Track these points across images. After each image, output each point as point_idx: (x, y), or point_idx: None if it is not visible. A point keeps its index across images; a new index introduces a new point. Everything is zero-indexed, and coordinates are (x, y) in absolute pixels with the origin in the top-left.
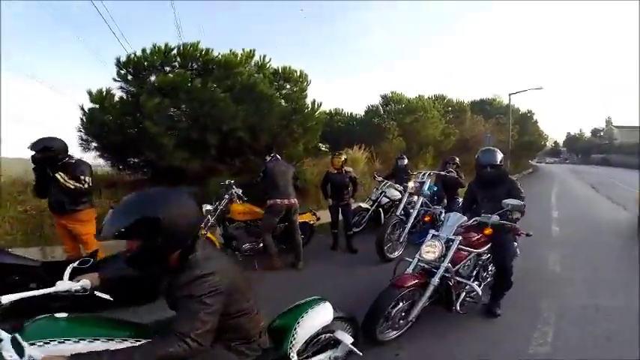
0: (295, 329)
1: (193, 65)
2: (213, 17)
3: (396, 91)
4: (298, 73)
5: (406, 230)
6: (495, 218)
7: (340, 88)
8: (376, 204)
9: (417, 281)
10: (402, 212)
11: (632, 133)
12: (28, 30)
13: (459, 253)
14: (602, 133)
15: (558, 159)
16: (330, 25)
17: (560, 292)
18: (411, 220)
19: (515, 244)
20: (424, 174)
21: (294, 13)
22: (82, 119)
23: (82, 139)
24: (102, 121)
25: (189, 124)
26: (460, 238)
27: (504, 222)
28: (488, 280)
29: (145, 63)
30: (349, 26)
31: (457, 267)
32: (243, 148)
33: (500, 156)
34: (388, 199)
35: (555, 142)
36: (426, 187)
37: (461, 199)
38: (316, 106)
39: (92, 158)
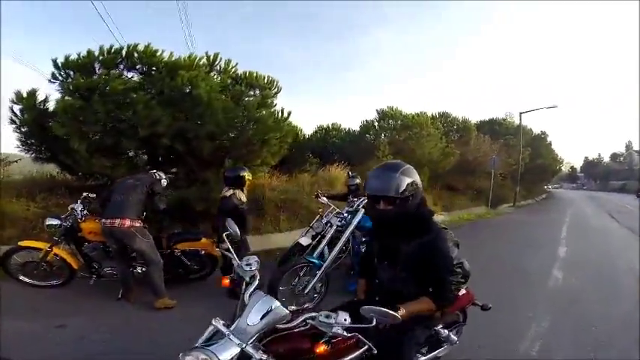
0: None
1: (143, 69)
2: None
3: (393, 106)
4: (266, 80)
5: (315, 280)
6: (339, 325)
7: (349, 106)
8: (320, 237)
9: None
10: (320, 253)
11: None
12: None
13: None
14: (621, 159)
15: (575, 185)
16: (341, 44)
17: None
18: (326, 264)
19: (450, 334)
20: (360, 202)
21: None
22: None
23: (20, 140)
24: (26, 122)
25: (102, 127)
26: (264, 357)
27: (358, 337)
28: None
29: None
30: (360, 44)
31: None
32: (185, 157)
33: (405, 180)
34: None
35: (572, 167)
36: (355, 220)
37: None
38: (284, 115)
39: (31, 160)
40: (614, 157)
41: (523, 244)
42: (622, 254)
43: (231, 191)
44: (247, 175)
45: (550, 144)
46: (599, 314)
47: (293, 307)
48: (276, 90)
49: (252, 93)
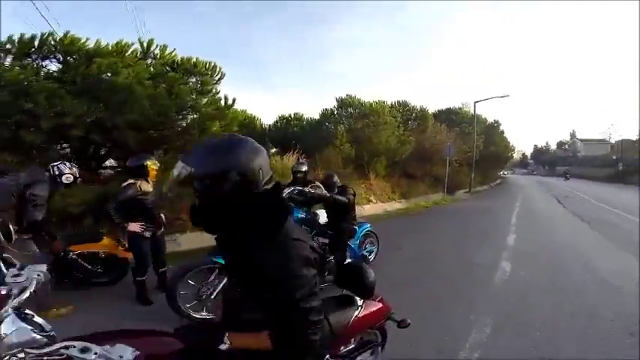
0: None
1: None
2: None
3: (352, 94)
4: (207, 65)
5: (223, 282)
6: None
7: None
8: None
9: None
10: None
11: (595, 146)
12: None
13: None
14: (566, 146)
15: (526, 170)
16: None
17: None
18: None
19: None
20: (291, 191)
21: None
22: None
23: None
24: None
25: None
26: None
27: None
28: None
29: None
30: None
31: None
32: (111, 150)
33: (207, 160)
34: None
35: (523, 154)
36: None
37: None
38: (228, 102)
39: None
40: (560, 145)
41: (473, 231)
42: (572, 243)
43: (131, 181)
44: (151, 164)
45: (503, 132)
46: (545, 313)
47: (204, 314)
48: (219, 76)
49: (193, 80)
